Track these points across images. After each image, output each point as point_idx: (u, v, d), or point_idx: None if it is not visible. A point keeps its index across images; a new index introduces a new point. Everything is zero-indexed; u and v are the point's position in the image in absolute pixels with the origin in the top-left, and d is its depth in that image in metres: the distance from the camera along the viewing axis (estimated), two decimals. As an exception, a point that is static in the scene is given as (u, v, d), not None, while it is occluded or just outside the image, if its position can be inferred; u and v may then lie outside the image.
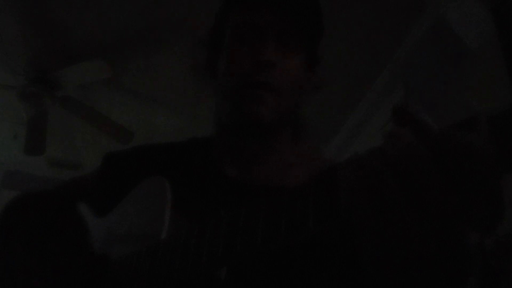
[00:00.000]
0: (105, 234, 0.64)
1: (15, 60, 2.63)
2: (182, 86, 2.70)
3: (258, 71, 0.67)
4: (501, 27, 1.21)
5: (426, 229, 0.31)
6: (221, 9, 0.76)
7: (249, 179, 0.70)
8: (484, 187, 0.30)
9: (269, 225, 0.41)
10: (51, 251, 0.63)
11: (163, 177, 0.60)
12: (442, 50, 1.98)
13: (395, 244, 0.32)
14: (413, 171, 0.31)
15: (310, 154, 0.77)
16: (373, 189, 0.32)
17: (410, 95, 2.22)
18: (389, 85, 2.46)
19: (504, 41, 1.18)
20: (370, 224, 0.32)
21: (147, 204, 0.61)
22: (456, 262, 0.31)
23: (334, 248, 0.58)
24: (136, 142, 2.98)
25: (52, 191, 0.79)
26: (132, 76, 2.76)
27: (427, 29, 2.12)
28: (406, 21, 2.17)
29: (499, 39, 1.23)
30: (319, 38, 0.75)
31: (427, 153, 0.31)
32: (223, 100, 0.72)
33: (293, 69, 0.70)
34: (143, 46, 2.52)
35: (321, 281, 0.57)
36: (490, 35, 1.54)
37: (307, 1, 0.70)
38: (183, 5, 2.20)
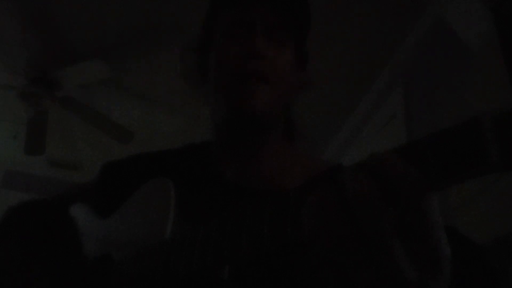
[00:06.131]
0: (104, 236, 0.65)
1: (15, 60, 2.63)
2: (182, 86, 2.70)
3: (248, 61, 0.67)
4: (501, 27, 1.21)
5: (368, 258, 0.32)
6: (209, 11, 0.77)
7: (248, 182, 0.70)
8: (413, 210, 0.32)
9: (274, 224, 0.41)
10: (51, 258, 0.63)
11: (167, 179, 0.60)
12: (442, 50, 1.98)
13: (339, 270, 0.34)
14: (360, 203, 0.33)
15: (305, 156, 0.77)
16: (326, 221, 0.34)
17: (410, 95, 2.23)
18: (389, 85, 2.46)
19: (504, 41, 1.18)
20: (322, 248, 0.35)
21: (150, 206, 0.61)
22: None
23: None
24: (136, 142, 2.98)
25: (51, 199, 0.79)
26: (132, 76, 2.76)
27: (427, 29, 2.12)
28: (406, 21, 2.17)
29: (499, 39, 1.23)
30: (306, 31, 0.76)
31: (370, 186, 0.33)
32: (217, 98, 0.72)
33: (283, 61, 0.71)
34: (143, 46, 2.52)
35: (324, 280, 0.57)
36: (490, 35, 1.54)
37: None
38: (183, 5, 2.21)
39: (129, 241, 0.60)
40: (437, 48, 2.04)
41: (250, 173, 0.72)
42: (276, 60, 0.69)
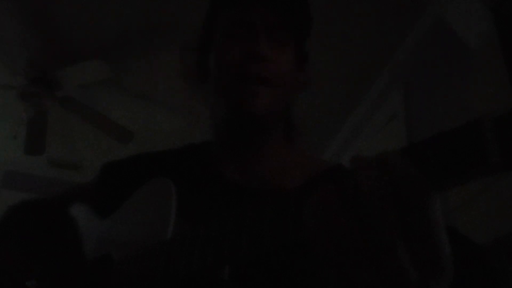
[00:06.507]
0: (104, 236, 0.65)
1: (15, 60, 2.63)
2: (182, 86, 2.70)
3: (250, 63, 0.67)
4: (501, 27, 1.21)
5: (369, 258, 0.32)
6: (209, 10, 0.77)
7: (248, 182, 0.70)
8: (417, 212, 0.32)
9: (275, 223, 0.41)
10: (51, 257, 0.63)
11: (168, 179, 0.60)
12: (442, 50, 1.98)
13: (342, 270, 0.33)
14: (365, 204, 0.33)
15: (305, 156, 0.77)
16: (327, 221, 0.34)
17: (410, 95, 2.23)
18: (389, 85, 2.46)
19: (504, 41, 1.18)
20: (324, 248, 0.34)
21: (151, 206, 0.61)
22: None
23: None
24: (136, 142, 2.98)
25: (51, 199, 0.79)
26: (132, 76, 2.76)
27: (427, 29, 2.12)
28: (406, 21, 2.17)
29: (499, 39, 1.23)
30: (308, 32, 0.76)
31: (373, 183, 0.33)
32: (217, 98, 0.72)
33: (285, 63, 0.71)
34: (143, 46, 2.52)
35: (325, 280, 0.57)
36: (490, 35, 1.54)
37: None
38: (183, 5, 2.21)
39: (129, 241, 0.60)
40: (437, 48, 2.04)
41: (250, 173, 0.72)
42: (277, 61, 0.69)
